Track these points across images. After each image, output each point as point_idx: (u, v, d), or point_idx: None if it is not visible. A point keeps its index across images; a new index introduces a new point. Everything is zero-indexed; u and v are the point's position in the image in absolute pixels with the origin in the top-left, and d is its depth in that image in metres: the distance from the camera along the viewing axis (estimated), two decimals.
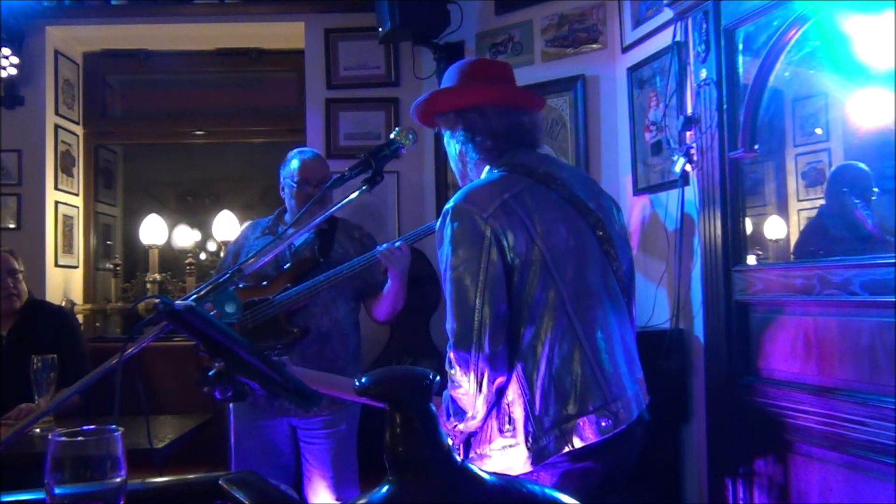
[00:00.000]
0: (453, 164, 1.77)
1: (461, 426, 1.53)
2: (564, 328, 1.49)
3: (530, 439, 1.47)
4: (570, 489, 1.45)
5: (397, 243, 2.42)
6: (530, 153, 1.68)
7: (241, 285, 2.29)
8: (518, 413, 1.49)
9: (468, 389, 1.47)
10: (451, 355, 1.49)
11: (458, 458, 0.78)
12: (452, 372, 1.49)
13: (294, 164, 2.58)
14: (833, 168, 2.46)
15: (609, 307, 1.57)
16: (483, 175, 1.66)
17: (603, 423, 1.47)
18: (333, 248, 2.57)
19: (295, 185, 2.54)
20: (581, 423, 1.46)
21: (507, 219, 1.49)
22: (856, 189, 2.32)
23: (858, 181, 2.34)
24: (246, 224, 2.80)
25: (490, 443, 1.53)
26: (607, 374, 1.51)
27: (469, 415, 1.51)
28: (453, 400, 1.52)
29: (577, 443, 1.46)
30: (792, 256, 2.47)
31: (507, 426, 1.50)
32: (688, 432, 2.69)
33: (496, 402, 1.51)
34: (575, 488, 1.47)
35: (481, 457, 1.54)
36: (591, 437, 1.46)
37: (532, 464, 1.47)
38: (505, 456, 1.50)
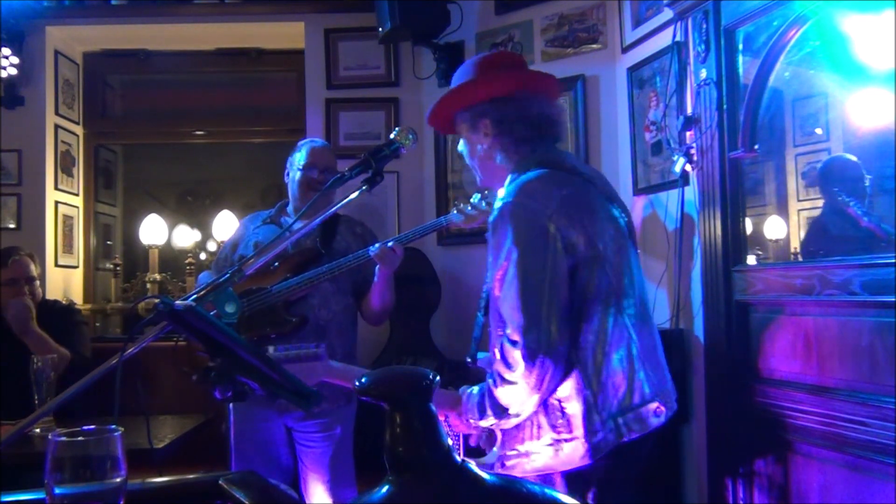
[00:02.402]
0: (477, 163, 1.73)
1: (503, 423, 1.53)
2: (619, 325, 1.52)
3: (588, 433, 1.48)
4: (623, 464, 1.51)
5: (389, 243, 2.39)
6: (561, 151, 1.69)
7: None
8: (574, 408, 1.49)
9: (525, 386, 1.44)
10: (516, 354, 1.44)
11: (459, 458, 0.78)
12: (509, 371, 1.45)
13: (303, 150, 2.60)
14: (820, 165, 2.46)
15: (647, 304, 1.64)
16: (519, 172, 1.62)
17: (655, 413, 1.52)
18: (335, 240, 2.56)
19: (301, 171, 2.55)
20: (637, 415, 1.50)
21: (567, 216, 1.50)
22: (845, 185, 2.32)
23: (847, 176, 2.34)
24: (244, 217, 2.79)
25: (536, 439, 1.53)
26: (655, 367, 1.57)
27: (513, 411, 1.49)
28: (494, 396, 1.50)
29: (634, 433, 1.49)
30: (799, 257, 2.47)
31: (559, 421, 1.51)
32: (688, 432, 2.69)
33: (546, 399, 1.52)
34: (624, 464, 1.52)
35: (520, 455, 1.54)
36: (646, 428, 1.50)
37: (590, 457, 1.49)
38: (558, 451, 1.51)
